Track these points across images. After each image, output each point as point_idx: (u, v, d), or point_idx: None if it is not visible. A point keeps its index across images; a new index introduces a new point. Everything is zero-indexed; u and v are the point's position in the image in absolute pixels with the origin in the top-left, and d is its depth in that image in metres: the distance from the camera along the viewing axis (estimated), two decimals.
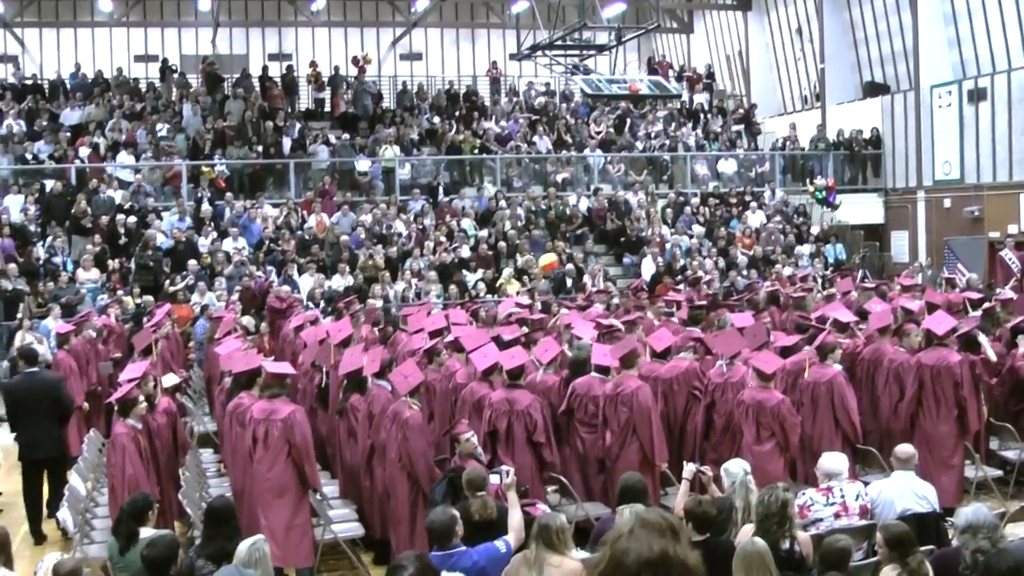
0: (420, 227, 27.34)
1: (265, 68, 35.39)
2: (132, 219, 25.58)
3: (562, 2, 29.07)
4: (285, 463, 10.73)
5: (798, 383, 12.85)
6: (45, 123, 30.30)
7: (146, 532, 8.57)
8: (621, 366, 12.26)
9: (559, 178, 31.26)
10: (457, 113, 34.61)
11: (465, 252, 26.39)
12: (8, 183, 27.30)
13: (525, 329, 15.60)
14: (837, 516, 9.28)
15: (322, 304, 22.71)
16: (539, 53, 27.77)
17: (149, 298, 22.24)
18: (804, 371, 12.79)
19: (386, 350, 15.18)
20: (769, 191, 31.60)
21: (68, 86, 33.32)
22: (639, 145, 33.59)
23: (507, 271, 25.67)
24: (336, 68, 35.94)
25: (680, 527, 3.85)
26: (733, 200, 30.87)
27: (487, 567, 8.09)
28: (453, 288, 24.39)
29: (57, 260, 24.15)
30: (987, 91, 28.81)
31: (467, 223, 27.88)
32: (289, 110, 33.02)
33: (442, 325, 15.90)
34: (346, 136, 31.48)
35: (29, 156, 28.33)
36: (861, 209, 32.12)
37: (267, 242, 25.87)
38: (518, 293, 23.34)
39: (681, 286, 23.69)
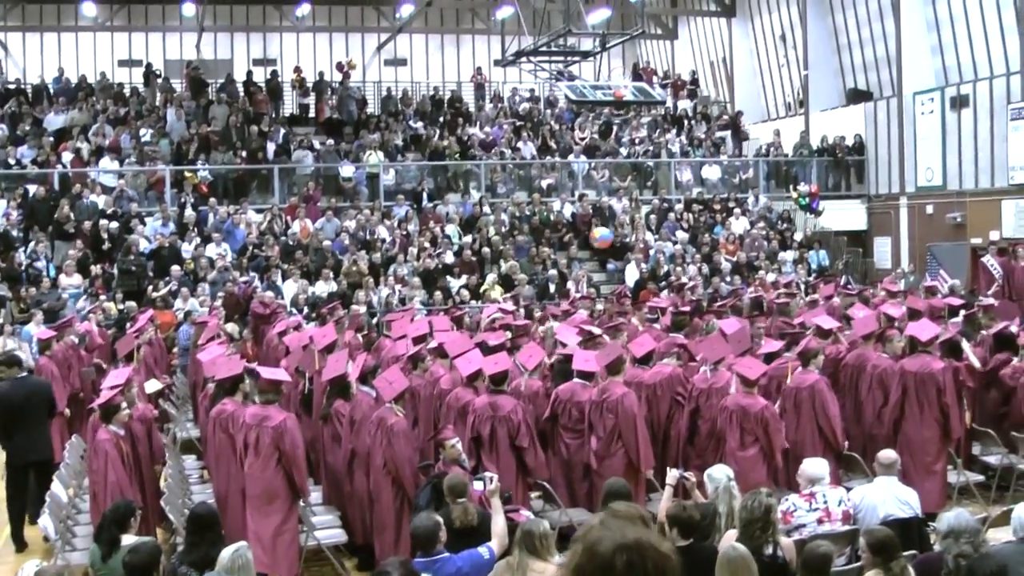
0: (404, 233, 27.34)
1: (250, 73, 35.35)
2: (115, 224, 25.52)
3: (547, 8, 29.10)
4: (275, 470, 10.70)
5: (781, 389, 12.89)
6: (28, 128, 30.20)
7: (128, 539, 8.55)
8: (607, 373, 12.27)
9: (543, 184, 31.29)
10: (441, 119, 34.60)
11: (449, 258, 26.41)
12: None
13: (508, 335, 15.62)
14: (820, 522, 9.30)
15: (306, 310, 22.68)
16: (524, 59, 27.81)
17: (132, 304, 22.19)
18: (787, 377, 12.82)
19: (370, 356, 15.18)
20: (753, 197, 31.67)
21: (51, 90, 33.19)
22: (623, 151, 33.62)
23: (491, 277, 25.68)
24: (321, 73, 35.90)
25: (649, 518, 3.86)
26: (717, 206, 30.92)
27: (470, 573, 8.08)
28: (438, 294, 24.38)
29: (39, 265, 24.09)
30: (969, 98, 28.91)
31: (451, 229, 27.89)
32: (273, 115, 32.97)
33: (425, 331, 15.91)
34: (330, 142, 31.45)
35: (12, 161, 28.25)
36: (844, 215, 32.21)
37: (251, 248, 25.83)
38: (502, 299, 23.32)
39: (665, 292, 23.69)
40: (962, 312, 17.64)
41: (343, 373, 12.38)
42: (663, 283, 25.42)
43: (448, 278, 25.53)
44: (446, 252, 26.55)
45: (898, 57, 31.23)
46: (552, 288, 25.43)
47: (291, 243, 26.21)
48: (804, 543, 8.17)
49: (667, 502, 9.25)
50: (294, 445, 10.75)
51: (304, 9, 39.24)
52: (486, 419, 11.52)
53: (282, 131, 31.53)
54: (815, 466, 9.73)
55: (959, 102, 29.12)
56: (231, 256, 25.32)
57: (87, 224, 25.30)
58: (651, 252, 27.71)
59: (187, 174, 28.13)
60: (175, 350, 21.19)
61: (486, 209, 29.02)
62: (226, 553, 7.76)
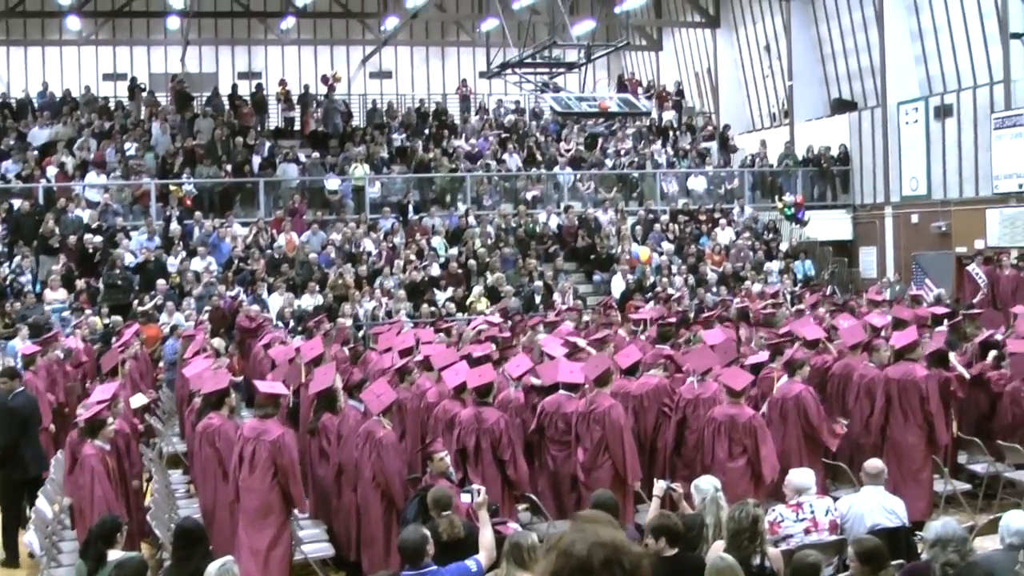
0: (390, 245, 27.30)
1: (235, 87, 35.32)
2: (100, 239, 25.46)
3: (532, 20, 29.16)
4: (271, 484, 10.65)
5: (767, 399, 12.92)
6: (12, 142, 30.08)
7: (114, 554, 8.52)
8: (594, 384, 12.27)
9: (529, 196, 31.28)
10: (427, 131, 34.59)
11: (435, 270, 26.38)
12: None
13: (494, 346, 15.62)
14: (807, 532, 9.31)
15: (292, 323, 22.64)
16: (509, 71, 27.85)
17: (117, 318, 22.14)
18: (772, 387, 12.85)
19: (357, 369, 15.17)
20: (738, 208, 31.70)
21: (36, 105, 33.12)
22: (609, 162, 33.65)
23: (477, 289, 25.65)
24: (306, 86, 35.85)
25: (618, 525, 3.88)
26: (703, 217, 30.94)
27: None
28: (424, 306, 24.36)
29: (24, 280, 24.01)
30: (953, 107, 29.00)
31: (437, 241, 27.87)
32: (259, 128, 32.90)
33: (411, 344, 15.90)
34: (316, 154, 31.39)
35: None
36: (830, 225, 32.27)
37: (236, 261, 25.78)
38: (488, 311, 23.30)
39: (651, 303, 23.67)
40: (947, 321, 17.69)
41: (330, 386, 12.36)
42: (649, 294, 25.41)
43: (434, 290, 25.50)
44: (432, 264, 26.52)
45: (882, 67, 31.33)
46: (538, 300, 25.42)
47: (277, 256, 26.15)
48: (792, 553, 8.18)
49: (655, 513, 9.24)
50: (291, 459, 10.73)
51: (289, 22, 39.21)
52: (471, 431, 11.51)
53: (267, 144, 31.47)
54: (801, 476, 9.74)
55: (943, 112, 29.22)
56: (217, 270, 25.27)
57: (72, 238, 25.20)
58: (637, 263, 27.73)
59: (172, 188, 28.07)
60: (161, 364, 21.13)
61: (472, 221, 29.02)
62: (213, 568, 7.73)
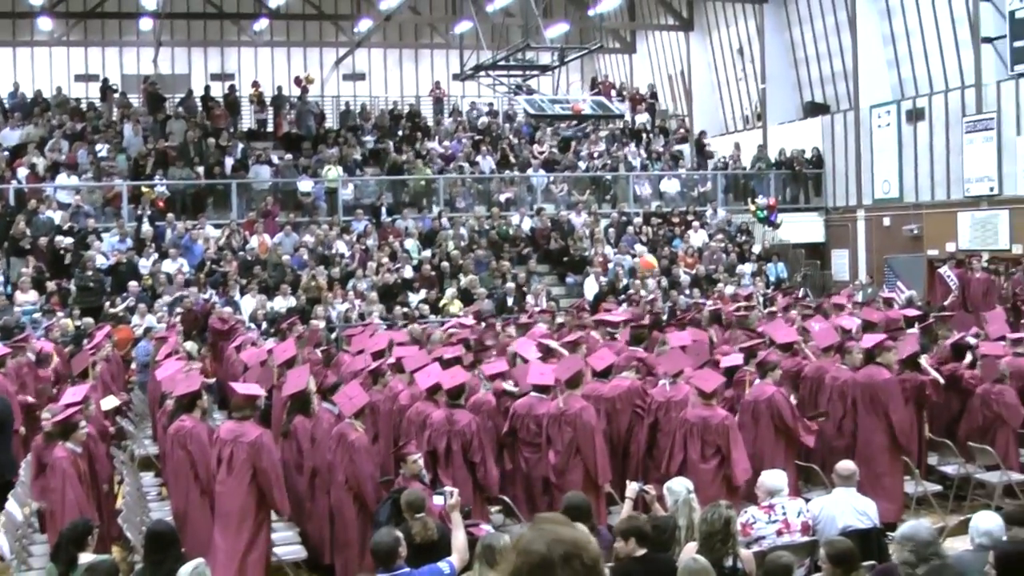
0: (363, 248, 27.24)
1: (207, 88, 35.19)
2: (71, 240, 25.32)
3: (505, 23, 29.19)
4: (249, 486, 10.62)
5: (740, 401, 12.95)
6: None
7: (85, 557, 8.48)
8: (566, 386, 12.28)
9: (502, 198, 31.28)
10: (400, 133, 34.55)
11: (408, 273, 26.34)
12: None
13: (463, 349, 15.59)
14: (779, 533, 9.33)
15: (264, 325, 22.57)
16: (482, 73, 27.84)
17: (89, 320, 22.02)
18: (745, 389, 12.88)
19: (330, 371, 15.15)
20: (711, 210, 31.77)
21: (7, 106, 32.92)
22: (582, 165, 33.67)
23: (450, 291, 25.63)
24: (279, 88, 35.76)
25: (574, 526, 3.92)
26: (676, 219, 30.99)
27: None
28: (397, 309, 24.33)
29: None
30: (925, 111, 29.14)
31: (410, 243, 27.83)
32: (231, 130, 32.80)
33: (384, 346, 15.88)
34: (289, 156, 31.29)
35: None
36: (802, 228, 32.38)
37: (209, 263, 25.69)
38: (461, 313, 23.29)
39: (623, 305, 23.68)
40: (918, 324, 17.77)
41: (304, 389, 12.32)
42: (622, 297, 25.42)
43: (407, 293, 25.47)
44: (405, 267, 26.48)
45: (855, 71, 31.47)
46: (511, 302, 25.42)
47: (249, 258, 26.07)
48: (764, 555, 8.20)
49: (626, 515, 9.25)
50: (272, 462, 10.69)
51: (262, 24, 39.15)
52: (442, 433, 11.51)
53: (240, 146, 31.39)
54: (774, 478, 9.76)
55: (915, 115, 29.37)
56: (189, 272, 25.18)
57: (43, 240, 25.07)
58: (610, 266, 27.75)
59: (144, 189, 27.95)
60: (133, 366, 21.04)
61: (445, 223, 29.00)
62: (185, 570, 7.71)
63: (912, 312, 19.33)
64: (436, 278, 26.30)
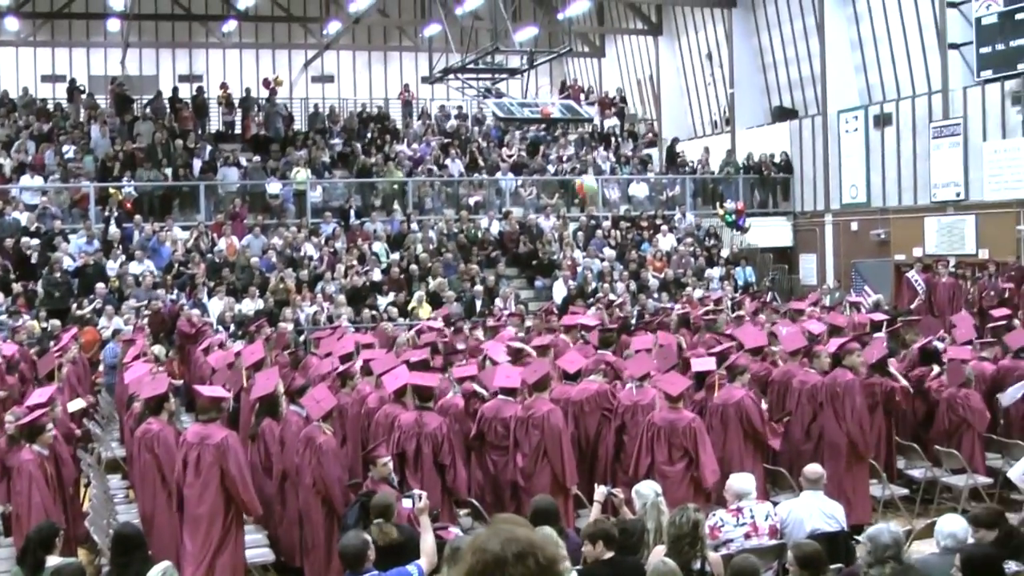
0: (331, 250, 27.18)
1: (175, 90, 35.01)
2: (37, 241, 25.17)
3: (475, 26, 29.15)
4: (217, 489, 10.57)
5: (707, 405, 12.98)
6: None
7: (52, 560, 8.43)
8: (533, 389, 12.29)
9: (471, 201, 31.27)
10: (369, 136, 34.50)
11: (377, 275, 26.29)
12: None
13: (430, 353, 15.58)
14: (747, 536, 9.35)
15: (232, 328, 22.49)
16: (451, 76, 27.78)
17: (56, 322, 21.90)
18: (714, 392, 12.91)
19: (298, 374, 15.11)
20: (680, 214, 31.83)
21: None
22: (551, 168, 33.70)
23: (419, 294, 25.59)
24: (247, 90, 35.70)
25: (532, 527, 3.95)
26: (644, 223, 31.04)
27: None
28: (366, 311, 24.29)
29: None
30: (892, 116, 29.32)
31: (378, 246, 27.79)
32: (199, 132, 32.67)
33: (352, 349, 15.84)
34: (257, 158, 31.19)
35: None
36: (770, 232, 32.49)
37: (176, 265, 25.58)
38: (430, 317, 23.25)
39: (592, 309, 23.67)
40: (885, 327, 17.86)
41: (272, 392, 12.28)
42: (591, 300, 25.42)
43: (376, 295, 25.43)
44: (373, 269, 26.43)
45: (823, 76, 31.61)
46: (479, 305, 25.41)
47: (217, 260, 25.98)
48: (732, 558, 8.21)
49: (593, 518, 9.26)
50: (239, 463, 10.64)
51: (231, 26, 39.07)
52: (411, 435, 11.51)
53: (208, 148, 31.28)
54: (742, 481, 9.78)
55: (882, 120, 29.54)
56: (156, 274, 25.06)
57: (9, 241, 24.92)
58: (579, 269, 27.79)
59: (111, 191, 27.80)
60: (100, 368, 20.94)
61: (414, 226, 28.97)
62: (154, 573, 7.68)
63: (879, 316, 19.44)
64: (404, 281, 26.26)
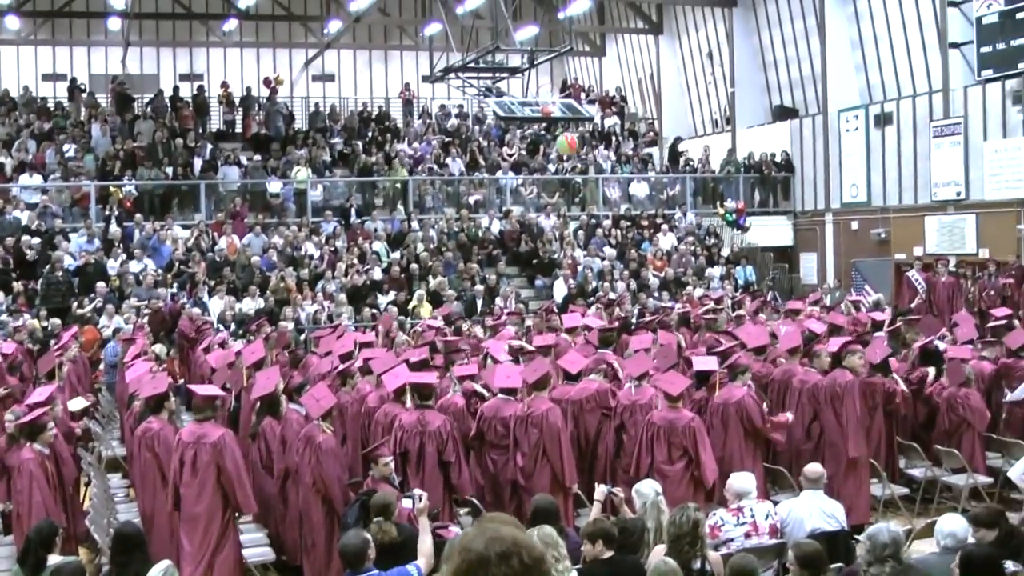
0: (332, 249, 27.18)
1: (176, 88, 34.96)
2: (37, 240, 25.17)
3: (475, 25, 29.16)
4: (214, 487, 10.56)
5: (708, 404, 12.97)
6: None
7: (52, 559, 8.43)
8: (532, 388, 12.28)
9: (471, 200, 31.27)
10: (369, 135, 34.49)
11: (377, 274, 26.28)
12: None
13: (429, 352, 15.57)
14: (748, 536, 9.35)
15: (232, 327, 22.49)
16: (452, 75, 27.77)
17: (56, 321, 21.91)
18: (715, 391, 12.90)
19: (297, 373, 15.11)
20: (680, 214, 31.83)
21: None
22: (551, 167, 33.69)
23: (419, 293, 25.58)
24: (248, 89, 35.68)
25: (521, 525, 3.95)
26: (645, 222, 31.05)
27: None
28: (366, 310, 24.29)
29: None
30: (893, 115, 29.31)
31: (378, 245, 27.78)
32: (200, 131, 32.65)
33: (351, 348, 15.84)
34: (257, 157, 31.20)
35: None
36: (771, 231, 32.48)
37: (177, 264, 25.58)
38: (432, 314, 23.25)
39: (593, 308, 23.65)
40: (886, 327, 17.85)
41: (273, 391, 12.28)
42: (591, 299, 25.41)
43: (376, 294, 25.42)
44: (374, 268, 26.43)
45: (823, 75, 31.59)
46: (480, 304, 25.41)
47: (218, 259, 25.98)
48: (732, 557, 8.21)
49: (593, 517, 9.26)
50: (235, 461, 10.63)
51: (231, 25, 39.06)
52: (414, 435, 11.50)
53: (209, 147, 31.27)
54: (742, 480, 9.78)
55: (883, 119, 29.53)
56: (158, 271, 25.06)
57: (9, 240, 24.92)
58: (579, 268, 27.79)
59: (112, 189, 27.81)
60: (100, 367, 20.94)
61: (414, 225, 28.97)
62: (155, 571, 7.67)
63: (879, 316, 19.43)
64: (405, 280, 26.26)
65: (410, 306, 25.10)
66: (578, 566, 8.11)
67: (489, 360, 14.99)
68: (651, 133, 38.07)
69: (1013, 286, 23.53)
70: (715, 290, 26.53)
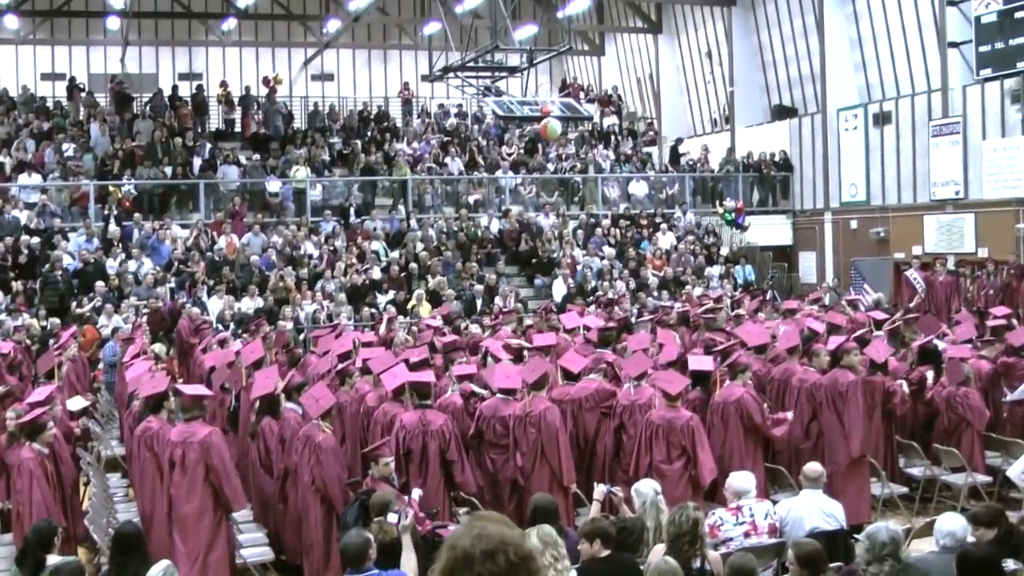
0: (331, 248, 27.18)
1: (175, 88, 34.95)
2: (37, 240, 25.17)
3: (474, 24, 29.16)
4: (203, 486, 10.56)
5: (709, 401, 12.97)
6: None
7: (52, 559, 8.42)
8: (531, 388, 12.28)
9: (471, 199, 31.28)
10: (369, 134, 34.49)
11: (376, 274, 26.28)
12: None
13: (426, 352, 15.55)
14: (747, 535, 9.35)
15: (231, 326, 22.48)
16: (451, 75, 27.79)
17: (55, 320, 21.91)
18: (717, 389, 12.90)
19: (296, 373, 15.10)
20: (680, 213, 31.82)
21: None
22: (550, 167, 33.69)
23: (418, 292, 25.57)
24: (247, 88, 35.69)
25: (512, 524, 3.96)
26: (644, 222, 31.05)
27: None
28: (365, 310, 24.29)
29: None
30: (892, 114, 29.33)
31: (378, 245, 27.78)
32: (199, 130, 32.65)
33: (350, 347, 15.84)
34: (257, 157, 31.21)
35: None
36: (770, 230, 32.49)
37: (176, 263, 25.58)
38: (431, 314, 23.24)
39: (592, 307, 23.64)
40: (885, 326, 17.84)
41: (271, 390, 12.27)
42: (590, 298, 25.42)
43: (375, 294, 25.42)
44: (373, 268, 26.43)
45: (822, 74, 31.61)
46: (479, 303, 25.40)
47: (217, 259, 25.97)
48: (730, 556, 8.22)
49: (591, 517, 9.26)
50: (222, 459, 10.62)
51: (230, 24, 39.03)
52: (416, 434, 11.49)
53: (208, 146, 31.27)
54: (741, 480, 9.78)
55: (882, 119, 29.55)
56: (157, 270, 25.05)
57: (8, 240, 24.91)
58: (579, 268, 27.79)
59: (111, 188, 27.80)
60: (99, 367, 20.93)
61: (413, 224, 28.98)
62: (155, 571, 7.67)
63: (879, 315, 19.42)
64: (404, 279, 26.27)
65: (409, 305, 25.09)
66: (576, 565, 8.11)
67: (489, 359, 14.99)
68: (650, 132, 38.06)
69: (1014, 284, 23.55)
70: (714, 289, 26.53)
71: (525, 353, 15.83)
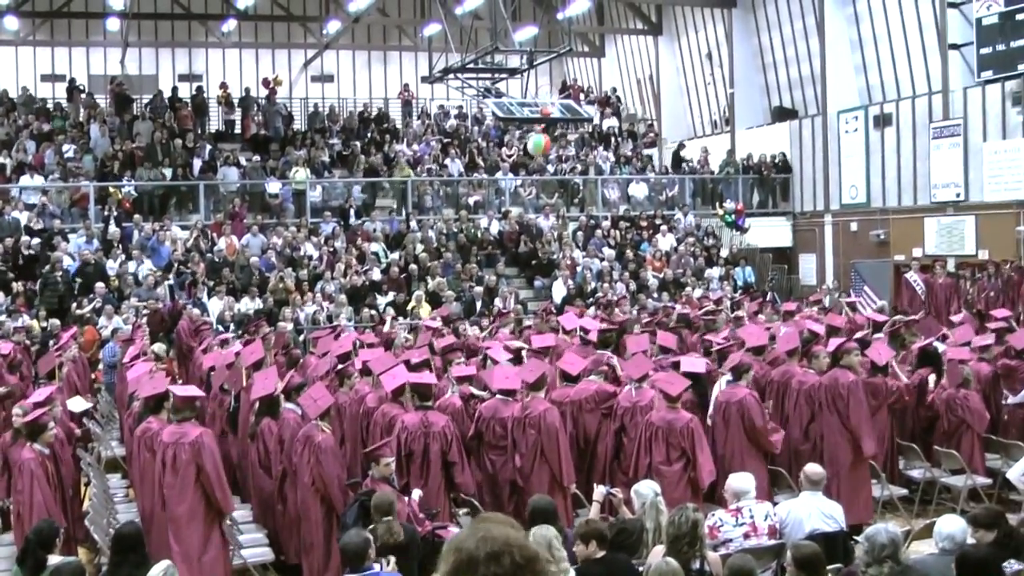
0: (331, 250, 27.18)
1: (175, 89, 34.94)
2: (37, 241, 25.16)
3: (474, 25, 29.16)
4: (195, 487, 10.56)
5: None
6: None
7: (52, 559, 8.42)
8: (529, 389, 12.28)
9: (471, 201, 31.28)
10: (368, 135, 34.49)
11: (376, 275, 26.28)
12: None
13: (427, 353, 15.55)
14: (747, 536, 9.35)
15: (231, 327, 22.48)
16: (451, 76, 27.78)
17: (55, 321, 21.90)
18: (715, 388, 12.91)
19: (296, 373, 15.10)
20: (680, 214, 31.82)
21: None
22: (550, 168, 33.69)
23: (418, 294, 25.56)
24: (247, 89, 35.69)
25: (517, 525, 3.96)
26: (644, 223, 31.05)
27: None
28: (365, 311, 24.29)
29: None
30: (892, 117, 29.35)
31: (378, 246, 27.78)
32: (199, 131, 32.64)
33: (349, 348, 15.84)
34: (256, 158, 31.20)
35: None
36: (770, 232, 32.50)
37: (176, 264, 25.58)
38: (431, 315, 23.23)
39: (592, 309, 23.63)
40: (885, 328, 17.84)
41: (271, 391, 12.27)
42: (590, 300, 25.42)
43: (375, 295, 25.41)
44: (373, 269, 26.42)
45: (822, 76, 31.62)
46: (479, 305, 25.40)
47: (217, 260, 25.97)
48: (730, 557, 8.21)
49: (587, 519, 9.26)
50: (213, 460, 10.62)
51: (230, 25, 39.05)
52: (419, 435, 11.49)
53: (208, 147, 31.27)
54: (741, 481, 9.77)
55: (882, 120, 29.57)
56: (157, 271, 25.04)
57: (8, 241, 24.91)
58: (578, 269, 27.79)
59: (111, 190, 27.80)
60: (100, 368, 20.93)
61: (413, 226, 28.97)
62: (156, 571, 7.67)
63: (879, 317, 19.42)
64: (404, 281, 26.26)
65: (409, 307, 25.08)
66: (575, 566, 8.11)
67: (489, 361, 14.99)
68: (651, 134, 38.06)
69: (1014, 285, 23.57)
70: (714, 291, 26.54)
71: (524, 354, 15.82)
